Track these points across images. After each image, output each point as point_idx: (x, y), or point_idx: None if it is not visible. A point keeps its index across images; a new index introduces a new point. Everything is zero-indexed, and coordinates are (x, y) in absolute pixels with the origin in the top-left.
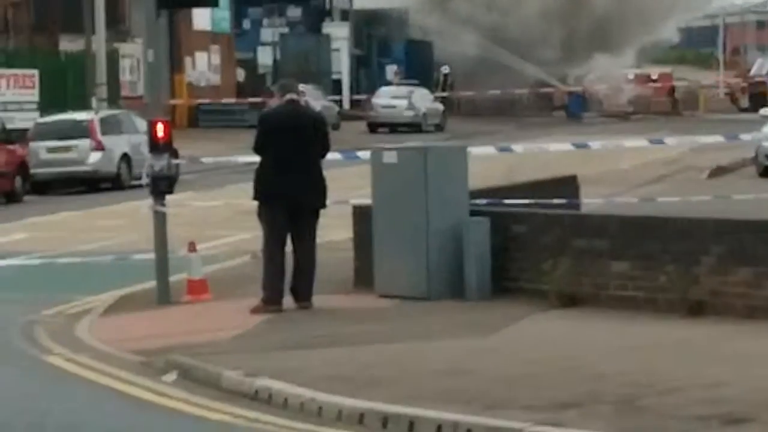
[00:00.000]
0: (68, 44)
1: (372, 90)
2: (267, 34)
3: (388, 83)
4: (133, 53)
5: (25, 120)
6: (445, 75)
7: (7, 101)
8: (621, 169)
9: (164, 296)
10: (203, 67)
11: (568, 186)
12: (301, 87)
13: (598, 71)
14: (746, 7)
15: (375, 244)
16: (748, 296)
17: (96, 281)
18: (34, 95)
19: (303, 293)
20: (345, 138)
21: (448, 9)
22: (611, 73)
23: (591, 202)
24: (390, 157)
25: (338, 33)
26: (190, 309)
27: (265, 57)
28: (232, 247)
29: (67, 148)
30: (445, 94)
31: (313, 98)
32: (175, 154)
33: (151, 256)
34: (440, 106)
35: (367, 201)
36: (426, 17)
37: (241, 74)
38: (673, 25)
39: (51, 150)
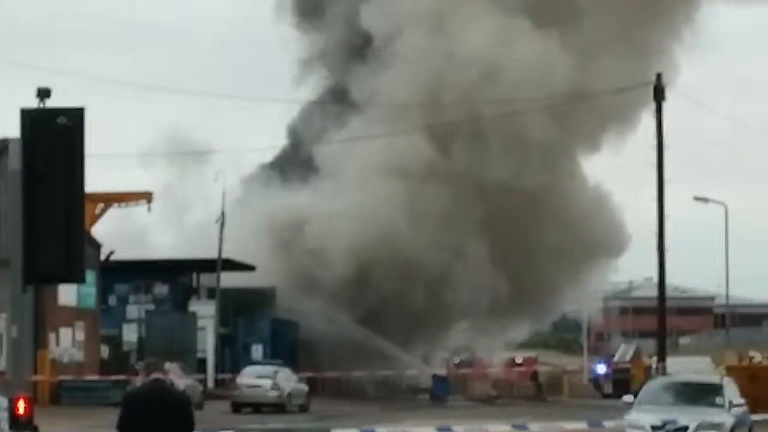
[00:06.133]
0: None
1: (237, 369)
2: (133, 310)
3: (253, 362)
4: None
5: None
6: None
7: None
8: None
9: None
10: (67, 343)
11: None
12: (167, 365)
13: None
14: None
15: None
16: None
17: None
18: None
19: None
20: (209, 418)
21: (316, 289)
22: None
23: None
24: None
25: (204, 311)
26: None
27: (130, 334)
28: None
29: None
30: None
31: (178, 377)
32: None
33: None
34: (305, 387)
35: None
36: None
37: (105, 351)
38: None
39: None
